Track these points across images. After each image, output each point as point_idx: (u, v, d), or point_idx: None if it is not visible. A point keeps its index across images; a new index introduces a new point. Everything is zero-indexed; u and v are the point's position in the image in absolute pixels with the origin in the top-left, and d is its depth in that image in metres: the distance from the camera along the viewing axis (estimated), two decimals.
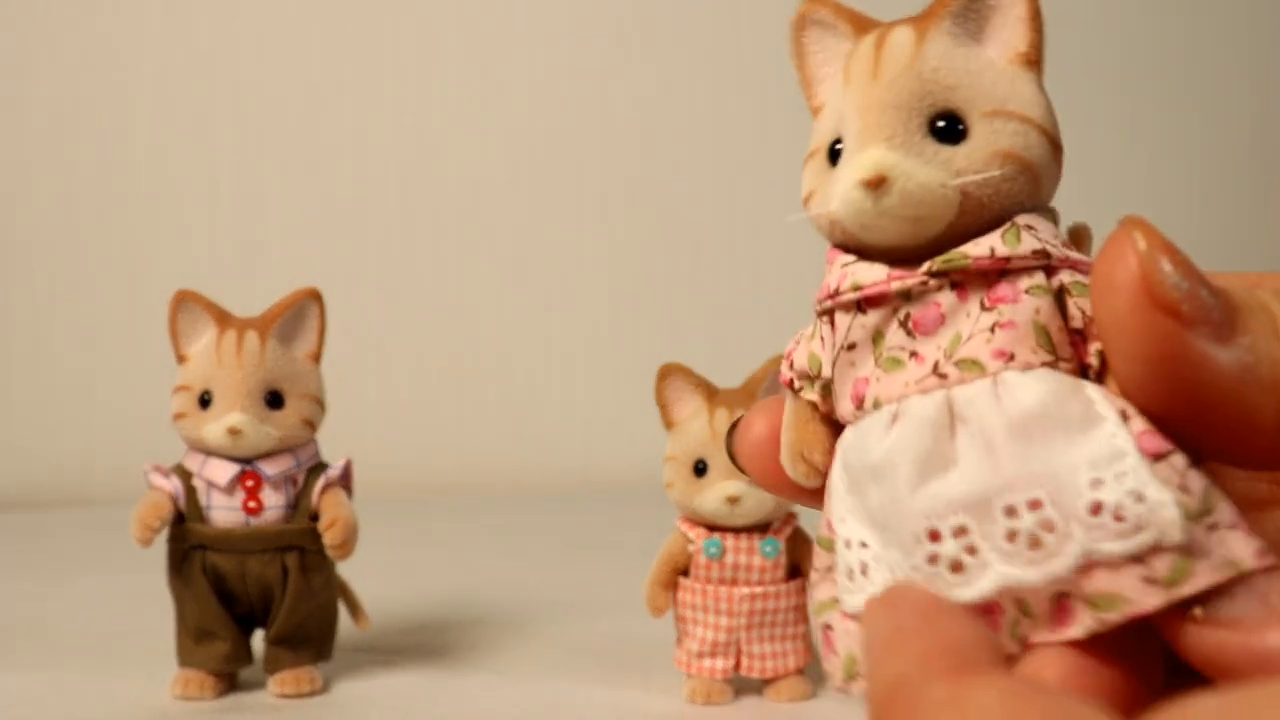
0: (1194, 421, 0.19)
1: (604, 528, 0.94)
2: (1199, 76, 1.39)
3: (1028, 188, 0.21)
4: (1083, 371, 0.21)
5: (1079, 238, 0.24)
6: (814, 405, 0.23)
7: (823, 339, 0.23)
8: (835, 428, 0.23)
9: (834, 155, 0.22)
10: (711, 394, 0.52)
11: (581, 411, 1.23)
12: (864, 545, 0.21)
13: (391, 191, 1.22)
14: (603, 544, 0.86)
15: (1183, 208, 1.39)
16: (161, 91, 1.17)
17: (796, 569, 0.52)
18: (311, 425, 0.54)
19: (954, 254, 0.21)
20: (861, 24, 0.23)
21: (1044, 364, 0.20)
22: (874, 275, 0.21)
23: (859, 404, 0.22)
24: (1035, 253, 0.21)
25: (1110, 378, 0.20)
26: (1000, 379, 0.20)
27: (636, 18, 1.26)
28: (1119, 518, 0.18)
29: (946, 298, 0.21)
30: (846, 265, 0.22)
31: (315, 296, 0.55)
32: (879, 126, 0.21)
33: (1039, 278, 0.21)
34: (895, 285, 0.21)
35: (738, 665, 0.52)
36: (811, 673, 0.53)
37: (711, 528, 0.51)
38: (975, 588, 0.19)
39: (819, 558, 0.22)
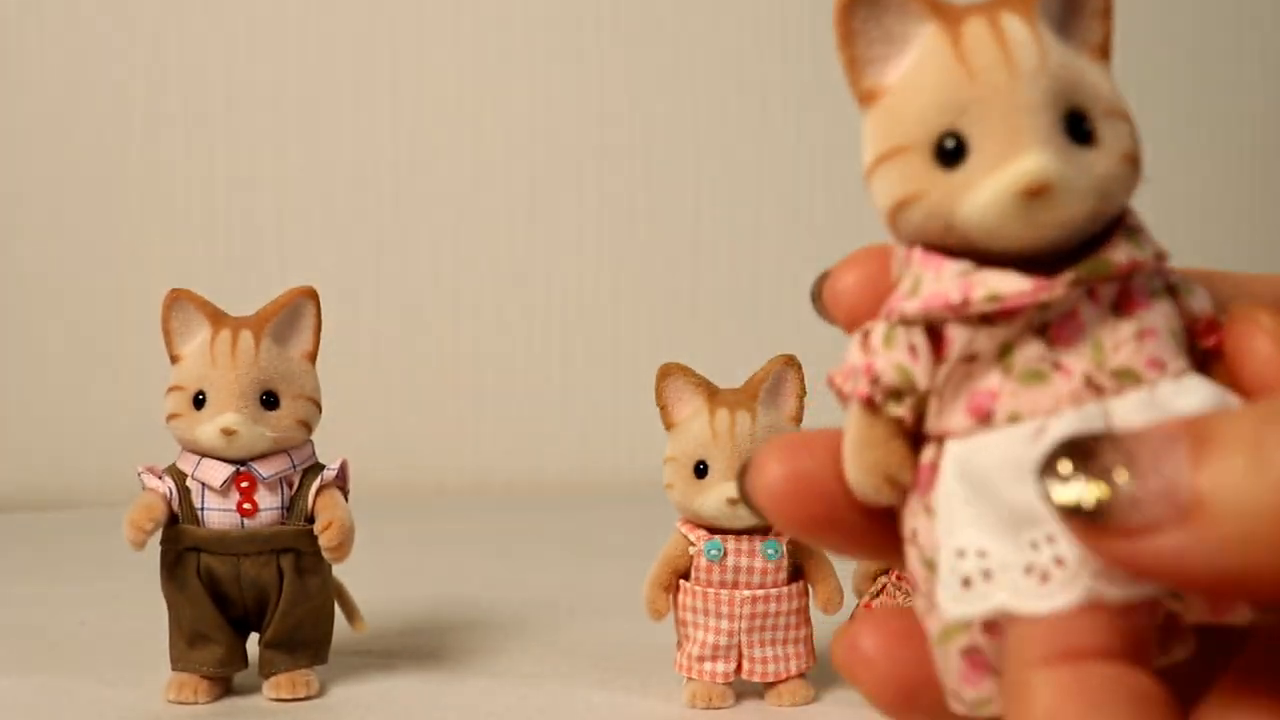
0: None
1: (603, 530, 0.93)
2: (1205, 74, 1.39)
3: (1134, 189, 0.21)
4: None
5: None
6: (899, 421, 0.21)
7: (913, 349, 0.21)
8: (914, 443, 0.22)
9: (946, 154, 0.20)
10: (712, 394, 0.51)
11: (581, 412, 1.23)
12: (983, 554, 0.20)
13: (388, 190, 1.22)
14: (602, 546, 0.86)
15: (1185, 206, 1.39)
16: (155, 90, 1.17)
17: (798, 571, 0.52)
18: (307, 426, 0.53)
19: (1100, 262, 0.20)
20: (936, 4, 0.21)
21: (1186, 369, 0.20)
22: (1017, 286, 0.20)
23: (981, 417, 0.20)
24: (1156, 255, 0.21)
25: (1212, 379, 0.20)
26: (1157, 389, 0.20)
27: (637, 17, 1.26)
28: None
29: (1085, 306, 0.20)
30: (967, 275, 0.20)
31: (311, 295, 0.54)
32: (1033, 130, 0.20)
33: (1157, 281, 0.21)
34: (1043, 297, 0.20)
35: (739, 669, 0.51)
36: (813, 676, 0.52)
37: (712, 530, 0.51)
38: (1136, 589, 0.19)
39: (925, 581, 0.21)
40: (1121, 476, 0.18)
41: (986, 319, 0.20)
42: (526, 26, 1.23)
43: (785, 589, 0.51)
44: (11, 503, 1.08)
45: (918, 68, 0.21)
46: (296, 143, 1.19)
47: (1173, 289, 0.21)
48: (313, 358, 0.54)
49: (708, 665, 0.51)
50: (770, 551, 0.50)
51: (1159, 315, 0.20)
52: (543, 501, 1.11)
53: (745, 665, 0.51)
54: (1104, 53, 0.22)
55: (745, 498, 0.23)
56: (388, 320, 1.21)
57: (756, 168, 1.26)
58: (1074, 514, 0.18)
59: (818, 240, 1.25)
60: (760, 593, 0.51)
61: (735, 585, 0.51)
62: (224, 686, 0.53)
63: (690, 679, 0.51)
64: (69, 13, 1.15)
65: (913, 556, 0.21)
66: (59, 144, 1.15)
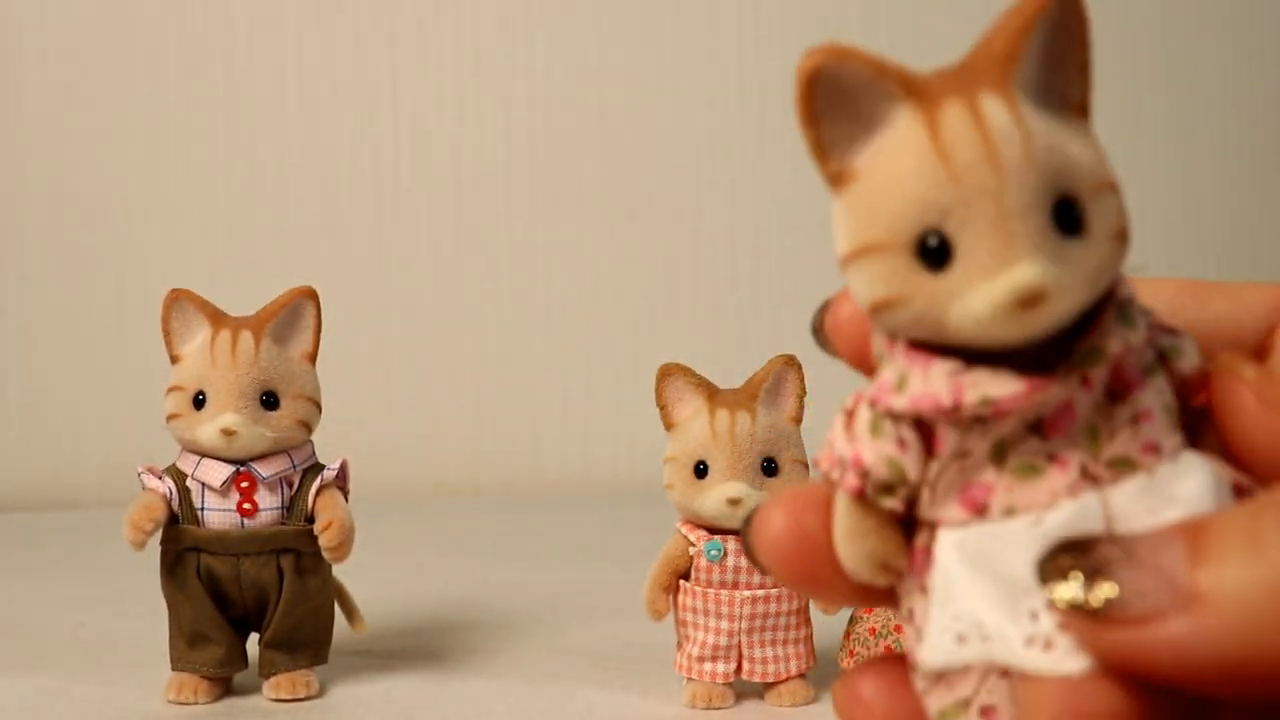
0: None
1: (603, 530, 0.93)
2: (1212, 72, 1.39)
3: (1123, 260, 0.20)
4: (1184, 431, 0.21)
5: None
6: (891, 513, 0.21)
7: (902, 442, 0.21)
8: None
9: (930, 254, 0.19)
10: (712, 394, 0.51)
11: (581, 412, 1.23)
12: (979, 624, 0.20)
13: (388, 190, 1.22)
14: (602, 546, 0.86)
15: (1189, 206, 1.39)
16: (154, 90, 1.17)
17: None
18: (307, 426, 0.53)
19: (1092, 354, 0.19)
20: (909, 83, 0.20)
21: (1179, 446, 0.20)
22: (1010, 389, 0.19)
23: (977, 510, 0.20)
24: (1148, 327, 0.20)
25: (1203, 438, 0.21)
26: (1155, 474, 0.19)
27: (637, 17, 1.26)
28: None
29: (1080, 395, 0.20)
30: (958, 375, 0.20)
31: (311, 296, 0.54)
32: (1025, 235, 0.19)
33: (1149, 354, 0.20)
34: (1038, 398, 0.19)
35: (739, 669, 0.51)
36: (813, 676, 0.52)
37: (712, 530, 0.51)
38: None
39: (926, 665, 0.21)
40: (1120, 569, 0.18)
41: (978, 419, 0.20)
42: (527, 26, 1.23)
43: (785, 589, 0.51)
44: (11, 503, 1.08)
45: (894, 155, 0.20)
46: (297, 143, 1.19)
47: (1162, 355, 0.21)
48: (313, 358, 0.54)
49: (708, 665, 0.51)
50: None
51: (1153, 394, 0.20)
52: (543, 502, 1.11)
53: (745, 665, 0.51)
54: (1084, 111, 0.20)
55: (748, 551, 0.23)
56: (387, 320, 1.21)
57: (757, 168, 1.26)
58: (1076, 611, 0.18)
59: (818, 240, 1.25)
60: (760, 593, 0.50)
61: (735, 585, 0.51)
62: (224, 687, 0.53)
63: (690, 679, 0.51)
64: (69, 13, 1.15)
65: (910, 636, 0.21)
66: (59, 144, 1.15)
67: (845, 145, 0.20)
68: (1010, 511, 0.20)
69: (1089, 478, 0.19)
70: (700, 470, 0.50)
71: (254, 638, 0.54)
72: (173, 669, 0.52)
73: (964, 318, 0.19)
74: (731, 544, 0.50)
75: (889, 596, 0.22)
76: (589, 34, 1.25)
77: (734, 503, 0.49)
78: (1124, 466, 0.20)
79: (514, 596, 0.71)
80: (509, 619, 0.65)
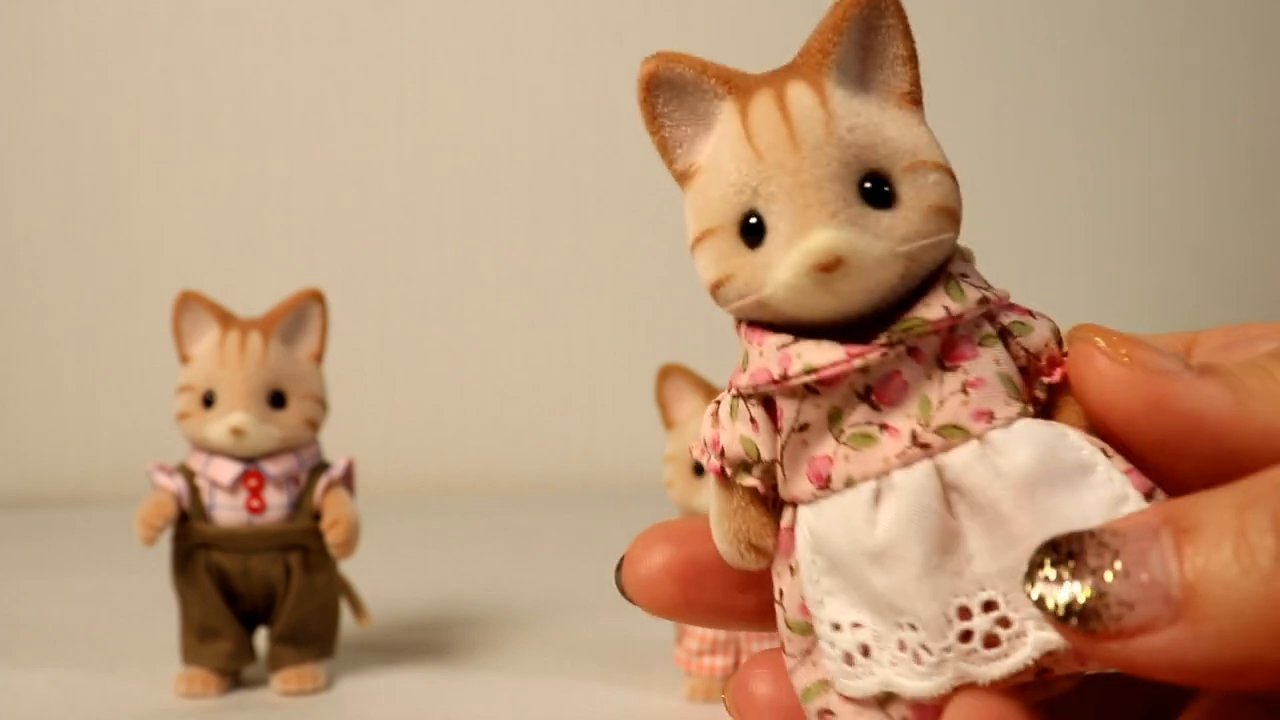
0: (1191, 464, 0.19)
1: (605, 527, 0.93)
2: (1197, 81, 1.39)
3: (954, 236, 0.21)
4: (1035, 405, 0.21)
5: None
6: (751, 490, 0.22)
7: (754, 421, 0.21)
8: (773, 509, 0.22)
9: (749, 232, 0.21)
10: (711, 394, 0.52)
11: (581, 411, 1.23)
12: (857, 625, 0.20)
13: (393, 191, 1.22)
14: (604, 543, 0.86)
15: (1182, 213, 1.39)
16: (163, 92, 1.17)
17: None
18: (314, 425, 0.54)
19: (911, 321, 0.20)
20: (730, 79, 0.21)
21: (1018, 414, 0.20)
22: (830, 356, 0.20)
23: (821, 483, 0.21)
24: (979, 301, 0.20)
25: (1061, 412, 0.21)
26: (987, 440, 0.20)
27: (637, 17, 1.26)
28: None
29: (907, 365, 0.20)
30: (786, 347, 0.20)
31: (317, 297, 0.55)
32: (820, 204, 0.20)
33: (986, 327, 0.21)
34: (857, 363, 0.20)
35: (737, 663, 0.51)
36: None
37: None
38: (1015, 659, 0.19)
39: (791, 642, 0.22)
40: (1109, 576, 0.17)
41: (810, 389, 0.20)
42: (529, 29, 1.24)
43: None
44: (25, 499, 1.08)
45: (718, 147, 0.21)
46: (304, 146, 1.20)
47: (1006, 332, 0.21)
48: (319, 358, 0.55)
49: (706, 660, 0.51)
50: None
51: (986, 363, 0.20)
52: (545, 500, 1.12)
53: (744, 659, 0.51)
54: (913, 99, 0.21)
55: (620, 588, 0.24)
56: (393, 321, 1.21)
57: None
58: (1066, 620, 0.17)
59: None
60: None
61: None
62: (233, 680, 0.54)
63: (689, 673, 0.52)
64: (77, 15, 1.15)
65: (780, 617, 0.22)
66: (69, 146, 1.16)
67: (689, 145, 0.22)
68: (849, 483, 0.20)
69: (919, 445, 0.20)
70: (700, 469, 0.51)
71: (262, 633, 0.55)
72: (182, 663, 0.53)
73: (776, 287, 0.20)
74: None
75: (766, 614, 0.23)
76: (590, 36, 1.25)
77: None
78: (954, 433, 0.20)
79: (517, 592, 0.71)
80: (512, 614, 0.66)
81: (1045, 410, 0.21)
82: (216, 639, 0.53)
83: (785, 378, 0.20)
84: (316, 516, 0.53)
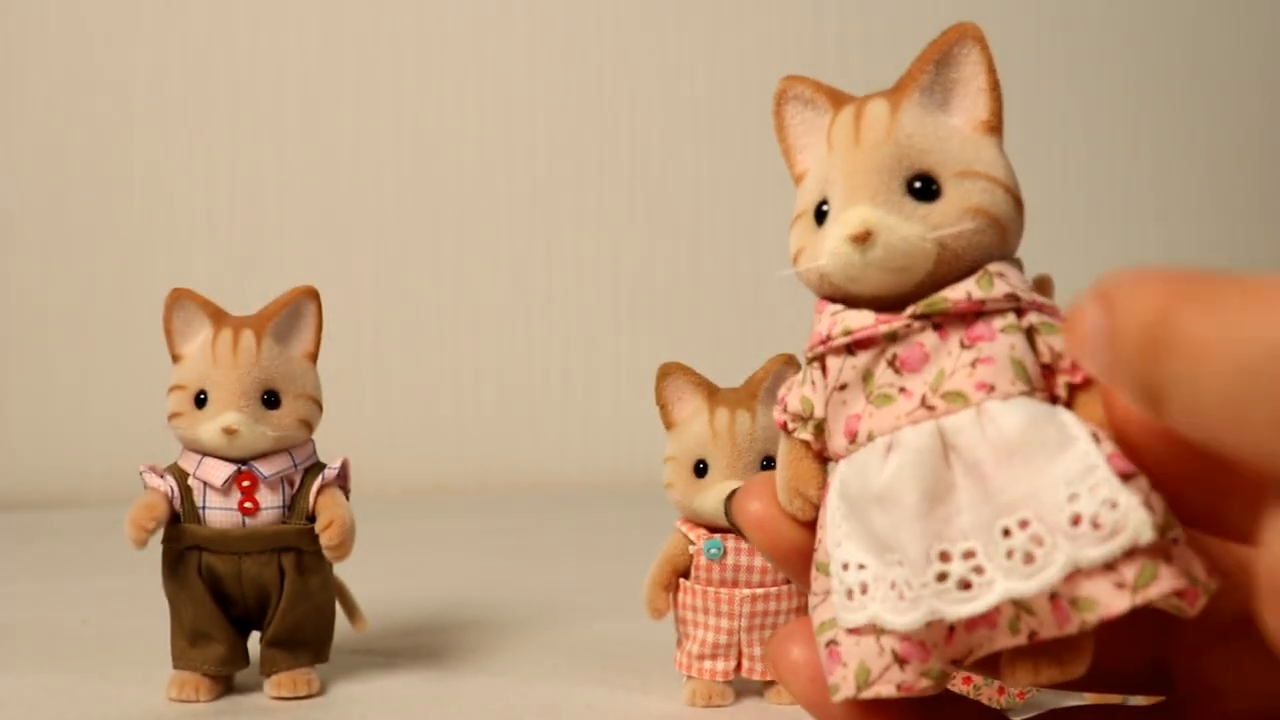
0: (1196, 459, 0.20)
1: (603, 529, 0.93)
2: (1204, 81, 1.39)
3: (996, 239, 0.24)
4: (1053, 400, 0.23)
5: (1044, 286, 0.26)
6: (807, 444, 0.25)
7: (813, 383, 0.25)
8: (825, 465, 0.25)
9: (820, 216, 0.24)
10: (712, 393, 0.51)
11: (581, 411, 1.23)
12: (862, 567, 0.23)
13: (389, 190, 1.22)
14: (602, 545, 0.86)
15: (1186, 214, 1.39)
16: (157, 91, 1.17)
17: None
18: (308, 425, 0.53)
19: (935, 298, 0.23)
20: (838, 98, 0.26)
21: (1021, 394, 0.22)
22: (862, 320, 0.23)
23: (852, 438, 0.24)
24: (1006, 296, 0.23)
25: (1080, 408, 0.23)
26: (983, 408, 0.22)
27: (637, 18, 1.26)
28: (1097, 525, 0.21)
29: (929, 338, 0.23)
30: (836, 314, 0.24)
31: (312, 295, 0.54)
32: (863, 187, 0.23)
33: (1010, 318, 0.23)
34: (883, 328, 0.23)
35: (738, 667, 0.51)
36: None
37: (712, 529, 0.51)
38: (982, 601, 0.21)
39: (817, 581, 0.24)
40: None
41: (849, 351, 0.24)
42: (528, 30, 1.24)
43: (785, 587, 0.51)
44: (14, 501, 1.08)
45: (816, 152, 0.26)
46: (298, 142, 1.20)
47: (1032, 329, 0.23)
48: (314, 357, 0.54)
49: (707, 663, 0.51)
50: None
51: (1001, 346, 0.23)
52: (543, 500, 1.11)
53: (745, 663, 0.51)
54: (990, 127, 0.25)
55: (731, 521, 0.27)
56: (389, 320, 1.21)
57: (757, 168, 1.26)
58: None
59: None
60: (760, 591, 0.51)
61: (735, 584, 0.51)
62: (225, 685, 0.53)
63: (690, 677, 0.51)
64: (70, 12, 1.15)
65: (814, 560, 0.25)
66: (61, 144, 1.15)
67: (806, 152, 0.26)
68: (871, 437, 0.23)
69: (926, 407, 0.23)
70: (700, 469, 0.50)
71: (255, 636, 0.54)
72: (174, 667, 0.52)
73: (824, 254, 0.24)
74: (731, 542, 0.51)
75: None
76: (590, 37, 1.25)
77: None
78: (955, 399, 0.23)
79: (514, 595, 0.71)
80: (509, 617, 0.66)
81: (1066, 403, 0.23)
82: (209, 643, 0.52)
83: (829, 338, 0.24)
84: (311, 518, 0.53)
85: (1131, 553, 0.21)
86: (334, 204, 1.20)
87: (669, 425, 0.52)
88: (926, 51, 0.25)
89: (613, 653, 0.58)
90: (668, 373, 0.52)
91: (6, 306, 1.14)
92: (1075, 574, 0.21)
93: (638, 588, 0.52)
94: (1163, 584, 0.21)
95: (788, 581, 0.51)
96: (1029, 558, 0.21)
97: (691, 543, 0.51)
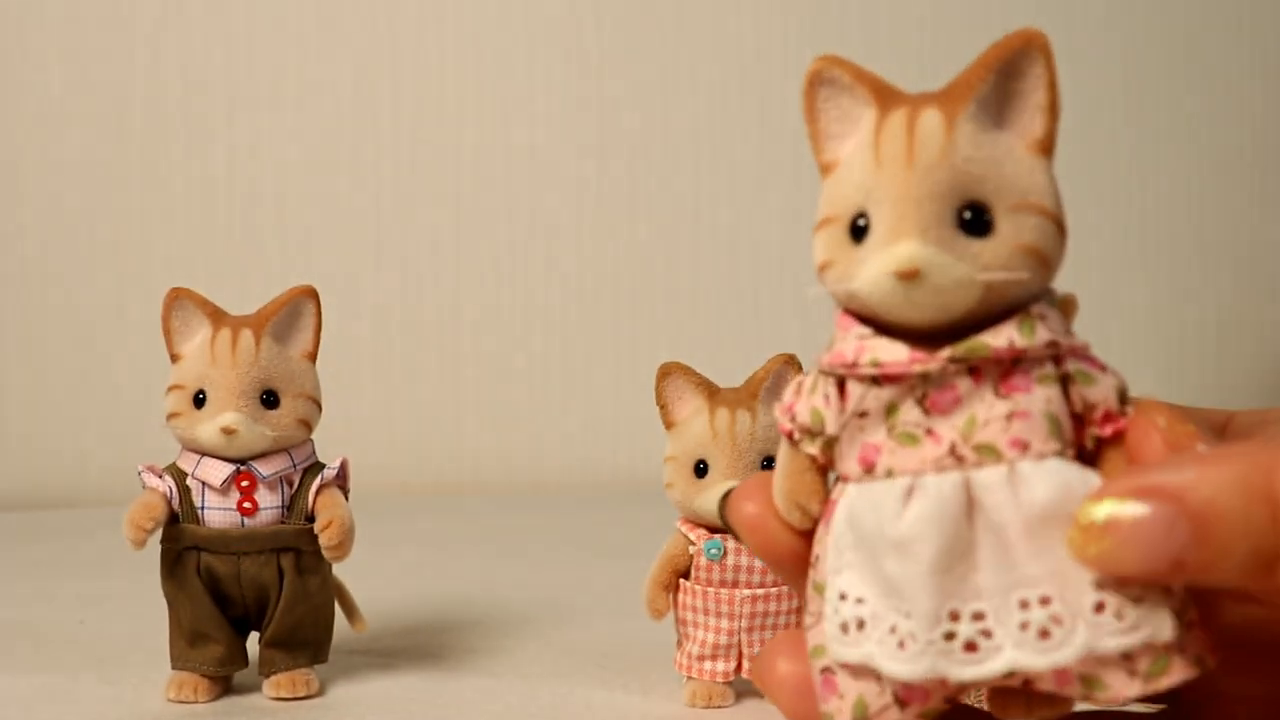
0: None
1: (603, 529, 0.93)
2: (1205, 79, 1.39)
3: (1042, 279, 0.23)
4: (1080, 453, 0.22)
5: (1066, 307, 0.26)
6: (812, 458, 0.24)
7: (827, 398, 0.24)
8: (827, 477, 0.25)
9: (857, 231, 0.23)
10: (712, 393, 0.51)
11: (581, 411, 1.23)
12: (860, 601, 0.22)
13: (388, 189, 1.22)
14: (602, 545, 0.86)
15: (1185, 212, 1.39)
16: (155, 89, 1.17)
17: None
18: (307, 425, 0.53)
19: (976, 343, 0.22)
20: (881, 91, 0.23)
21: (1054, 453, 0.22)
22: (895, 355, 0.22)
23: (868, 469, 0.23)
24: (1047, 344, 0.22)
25: (1105, 465, 0.22)
26: (1016, 469, 0.21)
27: (637, 17, 1.25)
28: (1120, 617, 0.21)
29: (964, 382, 0.22)
30: (864, 339, 0.23)
31: (311, 294, 0.54)
32: (915, 219, 0.22)
33: (1049, 367, 0.22)
34: (917, 368, 0.22)
35: (739, 668, 0.51)
36: None
37: (712, 529, 0.51)
38: (985, 667, 0.21)
39: (812, 601, 0.24)
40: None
41: (875, 380, 0.23)
42: (526, 27, 1.23)
43: (785, 588, 0.51)
44: (12, 501, 1.08)
45: (854, 149, 0.24)
46: (297, 142, 1.19)
47: (1069, 378, 0.23)
48: (313, 357, 0.54)
49: (708, 664, 0.51)
50: None
51: (1037, 400, 0.22)
52: (543, 501, 1.11)
53: (745, 664, 0.51)
54: (1043, 148, 0.23)
55: (724, 521, 0.26)
56: (388, 319, 1.21)
57: (757, 167, 1.26)
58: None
59: None
60: (760, 592, 0.50)
61: (735, 584, 0.51)
62: (224, 685, 0.53)
63: (690, 678, 0.51)
64: (70, 13, 1.15)
65: (810, 577, 0.24)
66: (60, 143, 1.15)
67: (837, 141, 0.24)
68: (890, 473, 0.22)
69: (955, 456, 0.22)
70: (700, 469, 0.50)
71: (254, 636, 0.54)
72: (173, 667, 0.52)
73: (863, 283, 0.22)
74: (731, 543, 0.50)
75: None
76: (589, 35, 1.25)
77: None
78: (988, 454, 0.22)
79: (514, 595, 0.71)
80: (509, 618, 0.65)
81: (1090, 460, 0.22)
82: (207, 643, 0.52)
83: (855, 365, 0.23)
84: (310, 518, 0.52)
85: (1150, 645, 0.21)
86: (334, 204, 1.20)
87: (669, 425, 0.52)
88: (987, 57, 0.23)
89: (613, 653, 0.58)
90: (668, 373, 0.52)
91: (6, 306, 1.14)
92: (1090, 656, 0.21)
93: (638, 588, 0.52)
94: (1173, 675, 0.21)
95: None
96: (1045, 634, 0.21)
97: (692, 543, 0.51)
